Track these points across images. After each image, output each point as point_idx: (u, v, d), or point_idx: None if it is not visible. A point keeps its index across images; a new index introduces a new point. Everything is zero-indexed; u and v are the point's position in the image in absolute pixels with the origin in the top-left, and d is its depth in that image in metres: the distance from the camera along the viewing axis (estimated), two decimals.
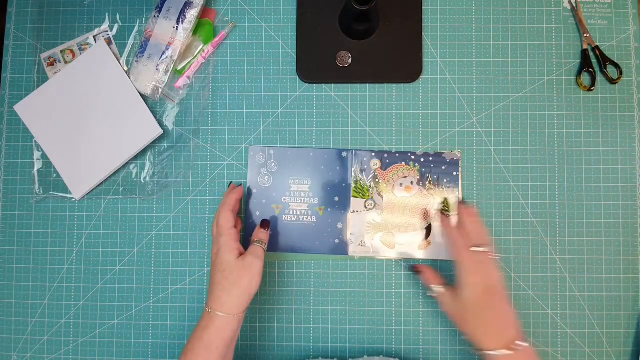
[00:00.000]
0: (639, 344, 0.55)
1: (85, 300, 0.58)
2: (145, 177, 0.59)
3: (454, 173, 0.57)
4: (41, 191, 0.59)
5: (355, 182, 0.58)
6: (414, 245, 0.57)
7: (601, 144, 0.58)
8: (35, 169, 0.59)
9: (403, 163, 0.58)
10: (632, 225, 0.57)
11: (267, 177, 0.58)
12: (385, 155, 0.58)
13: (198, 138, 0.59)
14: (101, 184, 0.59)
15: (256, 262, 0.49)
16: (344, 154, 0.58)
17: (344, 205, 0.58)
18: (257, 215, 0.58)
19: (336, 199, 0.58)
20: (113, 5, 0.61)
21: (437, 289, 0.52)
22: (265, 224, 0.55)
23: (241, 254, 0.50)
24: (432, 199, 0.57)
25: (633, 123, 0.58)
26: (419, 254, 0.57)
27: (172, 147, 0.59)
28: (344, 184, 0.58)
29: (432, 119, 0.59)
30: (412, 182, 0.57)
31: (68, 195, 0.59)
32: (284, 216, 0.58)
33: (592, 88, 0.58)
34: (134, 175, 0.59)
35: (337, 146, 0.59)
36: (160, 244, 0.58)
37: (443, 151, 0.57)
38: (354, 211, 0.57)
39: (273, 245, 0.57)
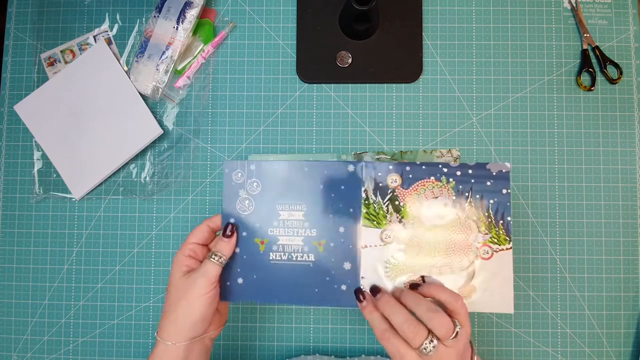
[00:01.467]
0: (639, 344, 0.55)
1: (85, 300, 0.58)
2: (145, 177, 0.59)
3: (504, 191, 0.43)
4: (41, 191, 0.59)
5: (367, 205, 0.44)
6: None
7: (601, 144, 0.58)
8: (35, 169, 0.59)
9: (432, 178, 0.43)
10: (632, 225, 0.57)
11: (247, 201, 0.45)
12: (408, 168, 0.44)
13: (198, 138, 0.59)
14: (101, 184, 0.59)
15: (199, 282, 0.40)
16: (351, 167, 0.44)
17: (352, 239, 0.44)
18: (237, 252, 0.45)
19: (341, 229, 0.44)
20: (113, 5, 0.61)
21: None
22: (229, 232, 0.43)
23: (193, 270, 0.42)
24: (475, 228, 0.43)
25: (633, 123, 0.58)
26: None
27: (172, 147, 0.59)
28: (351, 209, 0.44)
29: (432, 119, 0.59)
30: (445, 205, 0.43)
31: (68, 195, 0.59)
32: (271, 254, 0.44)
33: (592, 88, 0.58)
34: (134, 175, 0.59)
35: (336, 149, 0.58)
36: (160, 244, 0.58)
37: (487, 162, 0.44)
38: (366, 246, 0.44)
39: (257, 294, 0.44)
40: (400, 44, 0.59)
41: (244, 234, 0.45)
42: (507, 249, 0.43)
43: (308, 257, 0.44)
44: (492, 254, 0.43)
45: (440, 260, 0.43)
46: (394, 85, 0.59)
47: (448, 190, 0.43)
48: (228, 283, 0.44)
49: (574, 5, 0.59)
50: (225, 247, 0.43)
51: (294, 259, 0.44)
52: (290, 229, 0.45)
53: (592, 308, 0.56)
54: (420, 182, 0.44)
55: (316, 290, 0.44)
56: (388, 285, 0.43)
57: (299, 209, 0.45)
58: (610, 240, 0.57)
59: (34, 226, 0.59)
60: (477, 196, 0.43)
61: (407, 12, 0.59)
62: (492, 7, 0.60)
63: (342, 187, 0.44)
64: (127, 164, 0.59)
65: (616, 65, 0.58)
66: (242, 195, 0.45)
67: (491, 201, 0.43)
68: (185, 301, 0.40)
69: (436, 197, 0.43)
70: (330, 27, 0.59)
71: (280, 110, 0.59)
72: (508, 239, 0.43)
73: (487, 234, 0.43)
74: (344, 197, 0.44)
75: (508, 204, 0.43)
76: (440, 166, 0.43)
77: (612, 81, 0.58)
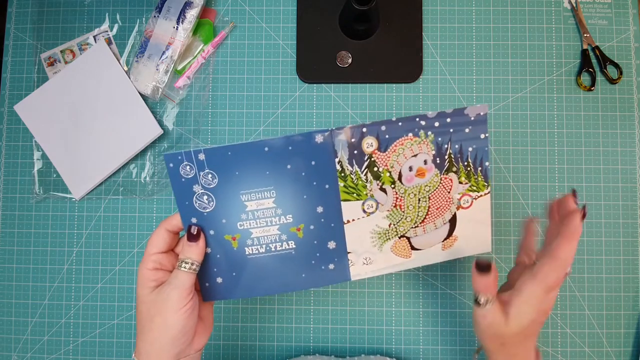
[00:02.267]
0: (639, 344, 0.55)
1: (85, 300, 0.58)
2: (145, 177, 0.59)
3: (482, 135, 0.40)
4: (41, 191, 0.59)
5: (344, 177, 0.40)
6: (435, 247, 0.43)
7: (601, 144, 0.58)
8: (35, 169, 0.59)
9: (410, 135, 0.39)
10: (632, 225, 0.57)
11: (205, 197, 0.39)
12: (383, 128, 0.39)
13: (198, 138, 0.59)
14: (101, 184, 0.59)
15: (172, 296, 0.36)
16: (319, 138, 0.38)
17: (332, 216, 0.41)
18: (208, 252, 0.41)
19: (319, 209, 0.40)
20: (113, 5, 0.61)
21: (487, 299, 0.38)
22: (194, 233, 0.39)
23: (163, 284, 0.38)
24: (456, 179, 0.41)
25: (633, 123, 0.58)
26: (442, 256, 0.44)
27: (172, 147, 0.59)
28: (327, 185, 0.40)
29: None
30: (425, 162, 0.40)
31: (68, 195, 0.59)
32: (247, 249, 0.40)
33: (592, 88, 0.58)
34: (134, 175, 0.59)
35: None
36: None
37: (465, 106, 0.40)
38: (348, 221, 0.41)
39: (241, 291, 0.42)
40: (400, 44, 0.59)
41: (212, 232, 0.40)
42: (485, 194, 0.42)
43: (288, 245, 0.41)
44: (472, 202, 0.42)
45: (423, 218, 0.42)
46: (394, 85, 0.59)
47: (427, 145, 0.40)
48: (207, 284, 0.41)
49: (574, 5, 0.59)
50: (194, 251, 0.38)
51: (273, 249, 0.41)
52: (262, 219, 0.40)
53: (592, 308, 0.56)
54: (398, 141, 0.40)
55: (303, 275, 0.42)
56: (376, 253, 0.42)
57: (267, 196, 0.40)
58: (610, 240, 0.57)
59: (34, 226, 0.59)
60: (457, 146, 0.40)
61: (407, 12, 0.59)
62: (492, 7, 0.60)
63: (313, 162, 0.39)
64: (127, 164, 0.59)
65: (616, 65, 0.58)
66: (197, 190, 0.39)
67: (470, 149, 0.41)
68: (161, 318, 0.36)
69: (415, 155, 0.40)
70: (330, 27, 0.59)
71: (280, 110, 0.59)
72: (486, 184, 0.42)
73: (467, 183, 0.41)
74: (316, 174, 0.39)
75: (486, 148, 0.41)
76: (417, 119, 0.39)
77: (612, 81, 0.58)
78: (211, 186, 0.39)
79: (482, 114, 0.39)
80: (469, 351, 0.56)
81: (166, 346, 0.36)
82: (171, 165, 0.39)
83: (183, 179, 0.39)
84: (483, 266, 0.38)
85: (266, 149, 0.38)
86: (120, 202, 0.59)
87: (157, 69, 0.57)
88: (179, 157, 0.38)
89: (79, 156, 0.58)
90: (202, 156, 0.38)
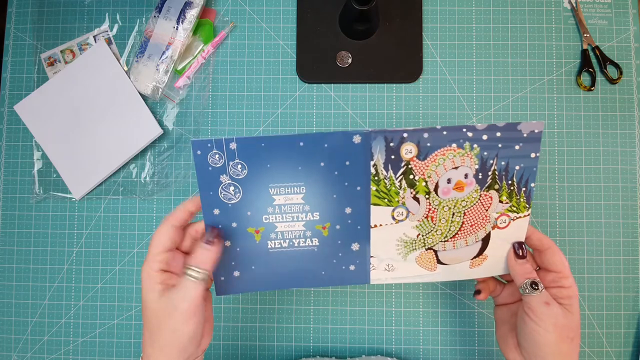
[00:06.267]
0: (639, 344, 0.55)
1: (85, 300, 0.58)
2: (145, 177, 0.59)
3: (532, 155, 0.37)
4: (41, 191, 0.59)
5: (377, 182, 0.38)
6: (463, 264, 0.41)
7: (601, 144, 0.58)
8: (35, 169, 0.59)
9: (454, 145, 0.37)
10: (632, 225, 0.57)
11: (232, 187, 0.38)
12: (426, 136, 0.37)
13: (198, 138, 0.59)
14: (101, 184, 0.59)
15: (181, 308, 0.35)
16: (358, 138, 0.37)
17: (360, 219, 0.40)
18: (227, 246, 0.40)
19: (347, 210, 0.39)
20: (113, 5, 0.61)
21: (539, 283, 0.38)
22: (212, 235, 0.37)
23: (170, 288, 0.36)
24: (496, 198, 0.39)
25: (633, 123, 0.58)
26: (468, 274, 0.42)
27: (172, 147, 0.59)
28: (358, 187, 0.39)
29: (432, 119, 0.59)
30: (466, 175, 0.38)
31: (68, 195, 0.59)
32: (269, 243, 0.40)
33: (592, 88, 0.58)
34: (134, 175, 0.59)
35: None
36: None
37: (518, 122, 0.38)
38: (375, 225, 0.40)
39: (257, 285, 0.41)
40: (400, 44, 0.59)
41: (234, 224, 0.39)
42: (524, 216, 0.39)
43: (312, 242, 0.40)
44: (509, 222, 0.39)
45: (455, 234, 0.40)
46: (394, 85, 0.59)
47: (471, 158, 0.37)
48: (222, 278, 0.41)
49: (574, 5, 0.59)
50: (207, 258, 0.36)
51: (296, 245, 0.40)
52: (289, 214, 0.39)
53: (592, 308, 0.56)
54: (439, 151, 0.37)
55: (322, 272, 0.41)
56: (400, 261, 0.41)
57: (297, 192, 0.39)
58: (610, 240, 0.57)
59: (34, 226, 0.59)
60: (503, 163, 0.38)
61: (407, 12, 0.59)
62: (492, 7, 0.60)
63: (347, 162, 0.38)
64: (127, 164, 0.59)
65: (616, 65, 0.58)
66: (224, 181, 0.38)
67: (517, 167, 0.38)
68: (169, 328, 0.35)
69: (456, 168, 0.38)
70: (330, 27, 0.59)
71: (280, 110, 0.59)
72: (527, 206, 0.39)
73: (507, 202, 0.39)
74: (349, 174, 0.38)
75: (534, 169, 0.38)
76: (464, 130, 0.36)
77: (612, 81, 0.58)
78: (240, 177, 0.38)
79: (536, 131, 0.37)
80: (469, 351, 0.56)
81: (175, 353, 0.36)
82: (198, 152, 0.37)
83: (210, 168, 0.37)
84: (523, 251, 0.39)
85: (301, 143, 0.37)
86: (120, 202, 0.59)
87: (157, 69, 0.57)
88: (209, 145, 0.37)
89: (79, 156, 0.58)
90: (233, 145, 0.37)
